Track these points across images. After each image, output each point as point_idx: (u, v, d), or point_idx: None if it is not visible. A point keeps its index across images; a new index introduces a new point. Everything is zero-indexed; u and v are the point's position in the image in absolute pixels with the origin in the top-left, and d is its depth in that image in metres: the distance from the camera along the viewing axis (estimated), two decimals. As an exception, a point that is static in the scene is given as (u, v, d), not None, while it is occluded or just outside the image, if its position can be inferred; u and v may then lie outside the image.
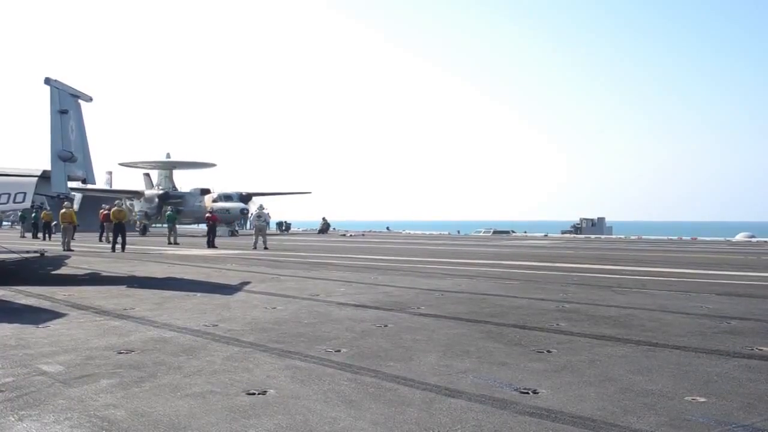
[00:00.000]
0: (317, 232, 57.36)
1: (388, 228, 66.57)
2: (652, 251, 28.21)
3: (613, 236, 58.04)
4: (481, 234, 59.70)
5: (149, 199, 52.31)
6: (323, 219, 58.40)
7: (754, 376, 5.59)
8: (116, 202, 28.12)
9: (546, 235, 55.95)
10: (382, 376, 5.51)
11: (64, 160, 13.99)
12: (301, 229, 66.83)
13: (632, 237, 49.35)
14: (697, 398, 4.85)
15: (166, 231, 39.26)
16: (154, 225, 56.44)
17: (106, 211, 33.05)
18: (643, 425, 4.24)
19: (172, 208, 41.87)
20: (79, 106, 15.49)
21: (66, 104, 14.51)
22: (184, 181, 61.31)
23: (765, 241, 38.85)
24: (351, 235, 50.86)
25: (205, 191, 52.20)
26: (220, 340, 7.17)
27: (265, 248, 28.52)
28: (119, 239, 26.30)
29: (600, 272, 16.39)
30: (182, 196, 52.52)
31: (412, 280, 14.10)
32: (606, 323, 8.35)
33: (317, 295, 11.37)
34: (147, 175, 58.80)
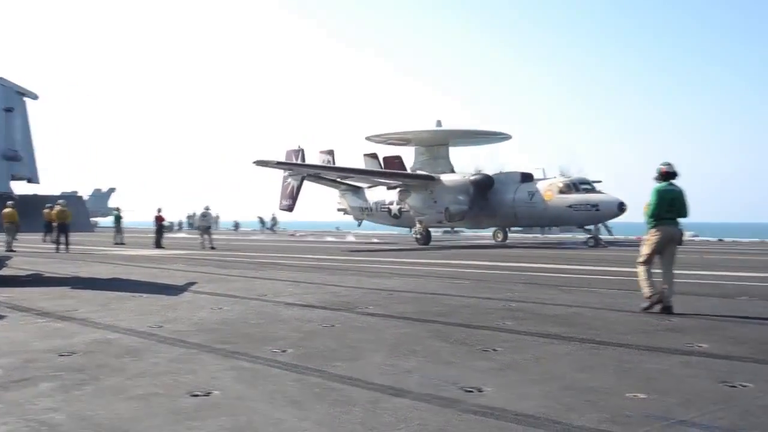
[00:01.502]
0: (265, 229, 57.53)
1: (337, 228, 65.70)
2: (609, 251, 28.58)
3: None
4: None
5: (456, 189, 34.66)
6: (273, 216, 58.36)
7: (693, 372, 5.73)
8: (59, 201, 27.08)
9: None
10: (327, 376, 5.49)
11: (9, 159, 13.63)
12: (250, 229, 66.61)
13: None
14: (638, 395, 4.95)
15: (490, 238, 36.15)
16: (455, 228, 42.49)
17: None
18: (584, 422, 4.31)
19: (118, 208, 41.03)
20: (24, 104, 15.10)
21: (12, 102, 14.13)
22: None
23: (707, 240, 39.89)
24: (300, 235, 51.24)
25: (527, 176, 34.79)
26: (166, 342, 7.06)
27: (212, 248, 28.25)
28: (62, 239, 25.71)
29: (548, 271, 16.63)
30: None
31: (360, 280, 14.11)
32: (551, 322, 8.47)
33: (265, 295, 11.29)
34: (373, 155, 42.34)
